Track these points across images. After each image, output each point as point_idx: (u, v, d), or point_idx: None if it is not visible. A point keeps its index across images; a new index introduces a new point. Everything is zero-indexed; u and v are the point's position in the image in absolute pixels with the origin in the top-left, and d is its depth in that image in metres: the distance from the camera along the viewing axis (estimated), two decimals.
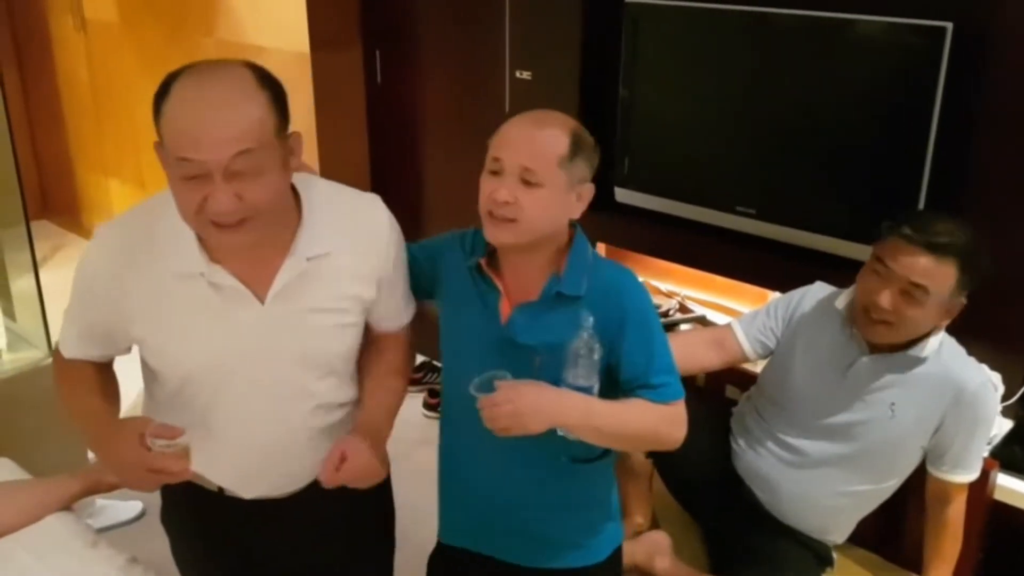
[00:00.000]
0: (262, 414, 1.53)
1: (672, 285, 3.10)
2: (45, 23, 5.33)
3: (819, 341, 2.01)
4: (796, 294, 2.11)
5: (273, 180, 1.35)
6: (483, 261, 1.59)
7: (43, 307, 2.95)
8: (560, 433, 1.50)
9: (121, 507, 2.95)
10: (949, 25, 2.19)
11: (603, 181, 3.04)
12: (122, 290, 1.43)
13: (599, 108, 2.97)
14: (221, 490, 1.62)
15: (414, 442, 3.18)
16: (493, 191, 1.49)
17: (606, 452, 1.67)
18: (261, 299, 1.44)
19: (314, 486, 1.56)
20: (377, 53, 3.75)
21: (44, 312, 2.95)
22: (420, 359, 3.92)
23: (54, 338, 2.96)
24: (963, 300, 1.84)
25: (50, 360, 2.88)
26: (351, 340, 1.57)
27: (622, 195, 2.95)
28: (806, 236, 2.55)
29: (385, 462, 1.61)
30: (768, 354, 2.13)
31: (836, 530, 2.09)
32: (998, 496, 2.08)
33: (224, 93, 1.30)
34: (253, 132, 1.30)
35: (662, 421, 1.56)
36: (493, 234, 1.52)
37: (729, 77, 2.66)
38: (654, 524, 2.23)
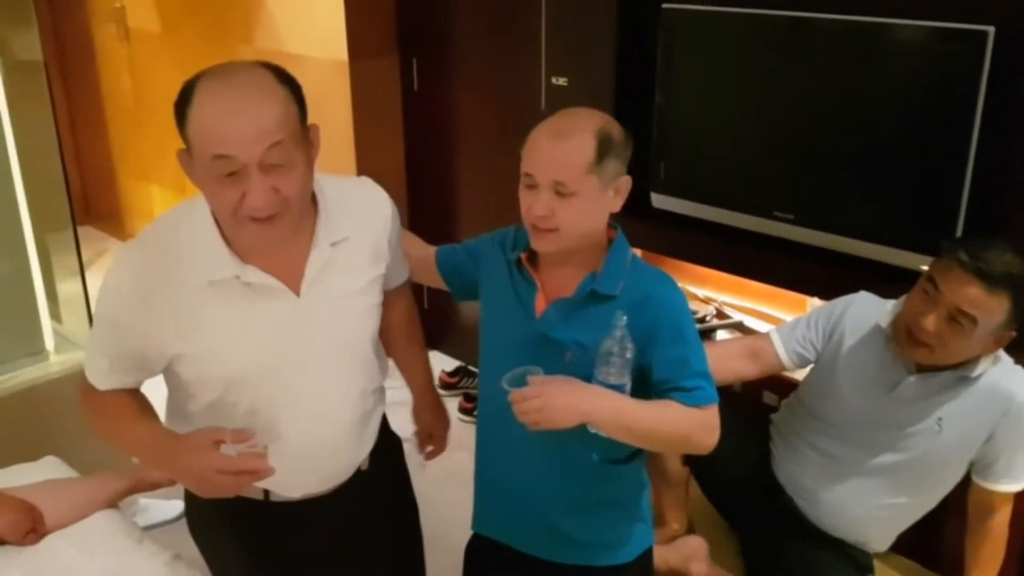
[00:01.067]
0: (310, 407, 1.55)
1: (709, 291, 3.09)
2: (89, 32, 5.43)
3: (864, 358, 1.97)
4: (839, 305, 2.07)
5: (303, 171, 1.40)
6: (524, 256, 1.63)
7: (89, 310, 3.01)
8: (591, 430, 1.51)
9: (163, 506, 2.99)
10: (991, 29, 2.17)
11: (639, 186, 3.06)
12: (152, 310, 1.42)
13: (635, 113, 2.97)
14: (267, 495, 1.61)
15: (449, 446, 3.20)
16: (530, 206, 1.52)
17: (636, 454, 1.68)
18: (296, 292, 1.47)
19: (353, 479, 1.64)
20: (414, 61, 3.79)
21: (90, 315, 3.01)
22: (455, 364, 3.94)
23: None
24: (1013, 333, 1.80)
25: None
26: (377, 321, 1.62)
27: (658, 200, 2.95)
28: (844, 242, 2.54)
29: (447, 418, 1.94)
30: (806, 365, 2.11)
31: (877, 540, 2.07)
32: None
33: (251, 90, 1.35)
34: (282, 124, 1.34)
35: (693, 424, 1.55)
36: (538, 244, 1.55)
37: (766, 82, 2.66)
38: (690, 530, 2.23)
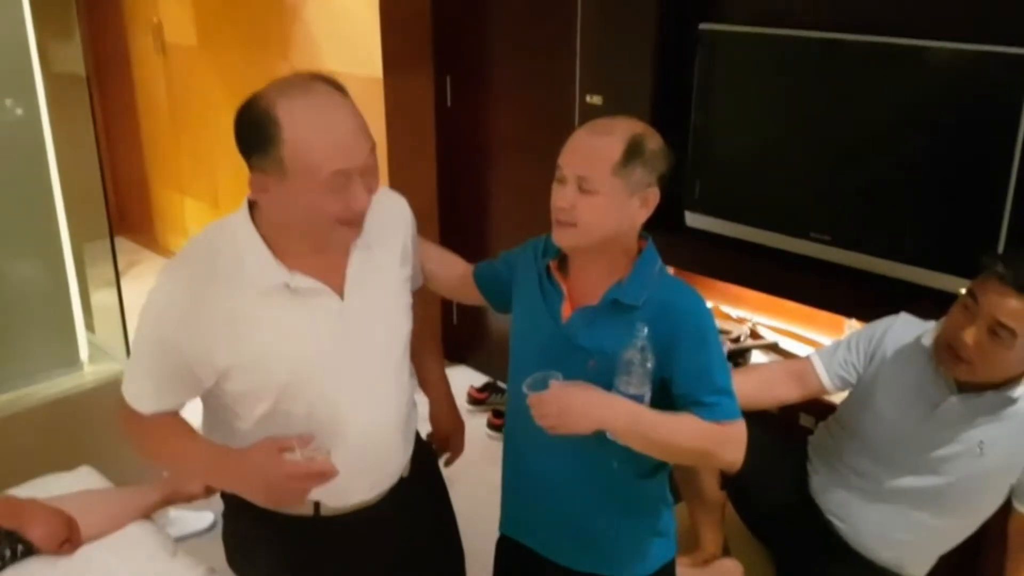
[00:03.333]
0: (362, 409, 1.56)
1: (744, 311, 3.07)
2: (125, 45, 5.50)
3: (905, 378, 1.96)
4: (880, 327, 2.06)
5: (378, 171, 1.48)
6: (553, 264, 1.65)
7: (124, 320, 3.04)
8: (609, 437, 1.53)
9: (193, 517, 3.00)
10: None
11: (674, 205, 3.06)
12: (203, 324, 1.43)
13: (670, 133, 2.94)
14: (317, 509, 1.61)
15: (477, 461, 3.19)
16: (555, 198, 1.56)
17: (658, 469, 1.68)
18: (340, 294, 1.51)
19: (397, 486, 1.67)
20: (448, 78, 3.80)
21: (125, 325, 3.04)
22: (484, 379, 3.94)
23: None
24: None
25: None
26: (411, 322, 1.66)
27: (693, 219, 2.94)
28: (881, 263, 2.52)
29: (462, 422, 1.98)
30: (847, 388, 2.09)
31: (915, 564, 2.04)
32: None
33: (342, 103, 1.42)
34: (368, 130, 1.44)
35: (711, 439, 1.54)
36: (558, 238, 1.58)
37: (804, 103, 2.64)
38: (725, 553, 2.21)
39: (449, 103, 3.84)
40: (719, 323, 2.97)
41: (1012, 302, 1.72)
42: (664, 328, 1.52)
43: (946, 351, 1.84)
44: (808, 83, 2.63)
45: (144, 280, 5.41)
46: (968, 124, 2.32)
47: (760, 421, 2.12)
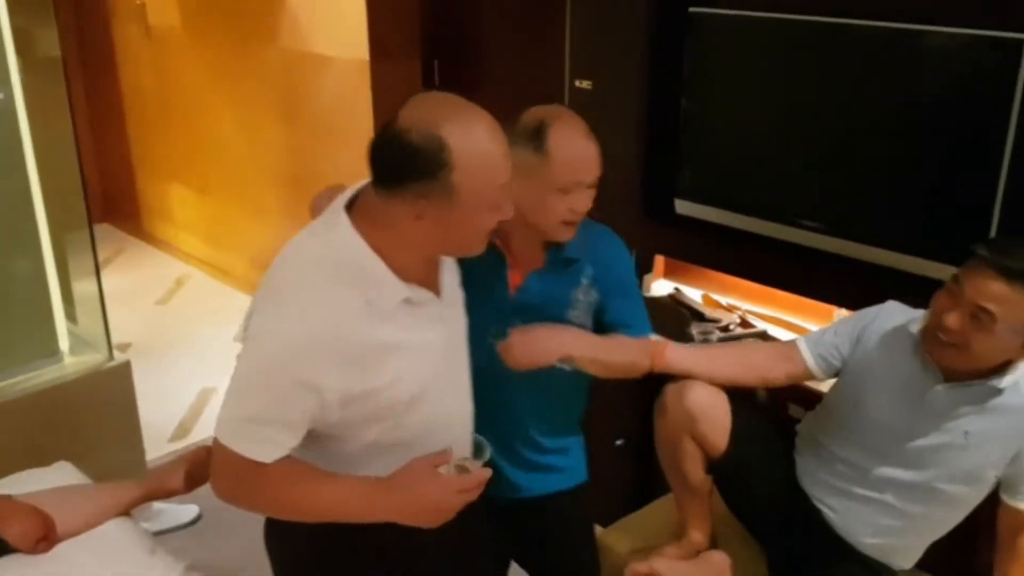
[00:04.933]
0: (464, 404, 1.64)
1: (733, 299, 3.05)
2: (109, 30, 5.45)
3: (892, 366, 1.95)
4: (868, 314, 2.06)
5: None
6: (497, 241, 1.81)
7: (104, 311, 2.99)
8: (564, 367, 1.78)
9: (178, 511, 2.98)
10: None
11: (664, 193, 3.03)
12: (342, 360, 1.37)
13: (661, 119, 2.93)
14: None
15: None
16: (578, 206, 1.78)
17: (581, 397, 2.04)
18: (438, 294, 1.53)
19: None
20: (436, 62, 3.75)
21: (105, 315, 2.99)
22: None
23: (115, 341, 3.02)
24: None
25: (110, 364, 2.94)
26: None
27: (683, 207, 2.91)
28: (873, 251, 2.49)
29: None
30: (833, 373, 2.08)
31: (903, 554, 2.04)
32: None
33: (488, 114, 1.47)
34: None
35: (640, 353, 1.90)
36: (568, 235, 1.81)
37: (795, 89, 2.61)
38: (712, 545, 2.19)
39: (437, 87, 3.79)
40: (709, 312, 2.94)
41: (993, 286, 1.72)
42: (600, 271, 1.87)
43: (932, 338, 1.84)
44: (799, 68, 2.59)
45: (131, 268, 5.41)
46: (960, 110, 2.30)
47: (749, 409, 2.12)
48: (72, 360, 2.95)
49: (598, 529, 2.32)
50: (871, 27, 2.40)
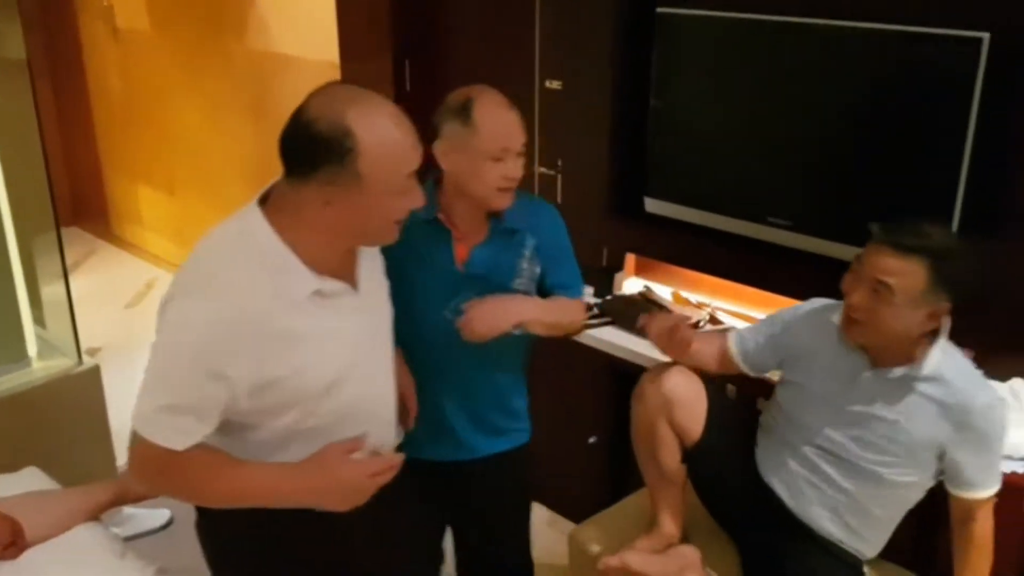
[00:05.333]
0: (385, 394, 1.67)
1: (703, 296, 3.07)
2: (76, 31, 5.39)
3: (822, 356, 2.02)
4: (793, 310, 2.14)
5: None
6: (441, 215, 1.93)
7: (73, 315, 2.97)
8: (516, 331, 1.91)
9: (149, 516, 2.96)
10: (986, 36, 2.16)
11: (634, 191, 3.05)
12: (248, 350, 1.40)
13: (630, 118, 2.95)
14: None
15: None
16: (510, 173, 1.88)
17: (517, 360, 2.12)
18: (355, 287, 1.56)
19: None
20: (406, 62, 3.75)
21: (74, 320, 2.96)
22: None
23: (84, 345, 3.00)
24: (944, 305, 1.83)
25: (79, 369, 2.91)
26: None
27: (652, 205, 2.93)
28: (839, 247, 2.51)
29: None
30: (760, 367, 2.18)
31: (865, 541, 2.07)
32: None
33: (394, 105, 1.50)
34: None
35: (578, 311, 2.11)
36: (505, 202, 1.92)
37: (761, 87, 2.64)
38: (684, 536, 2.21)
39: (408, 87, 3.79)
40: (679, 309, 2.96)
41: (889, 260, 1.81)
42: (541, 239, 2.01)
43: (846, 319, 1.92)
44: (765, 67, 2.62)
45: (100, 271, 5.36)
46: (923, 108, 2.33)
47: (722, 399, 2.15)
48: (41, 365, 2.92)
49: (571, 525, 2.34)
50: (835, 26, 2.43)
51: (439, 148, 1.90)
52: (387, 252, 1.75)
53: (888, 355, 1.91)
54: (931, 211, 2.30)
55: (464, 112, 1.87)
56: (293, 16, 3.82)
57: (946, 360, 1.89)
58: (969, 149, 2.24)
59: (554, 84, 3.16)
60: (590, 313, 2.89)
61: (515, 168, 1.89)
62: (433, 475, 2.04)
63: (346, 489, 1.48)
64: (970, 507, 1.94)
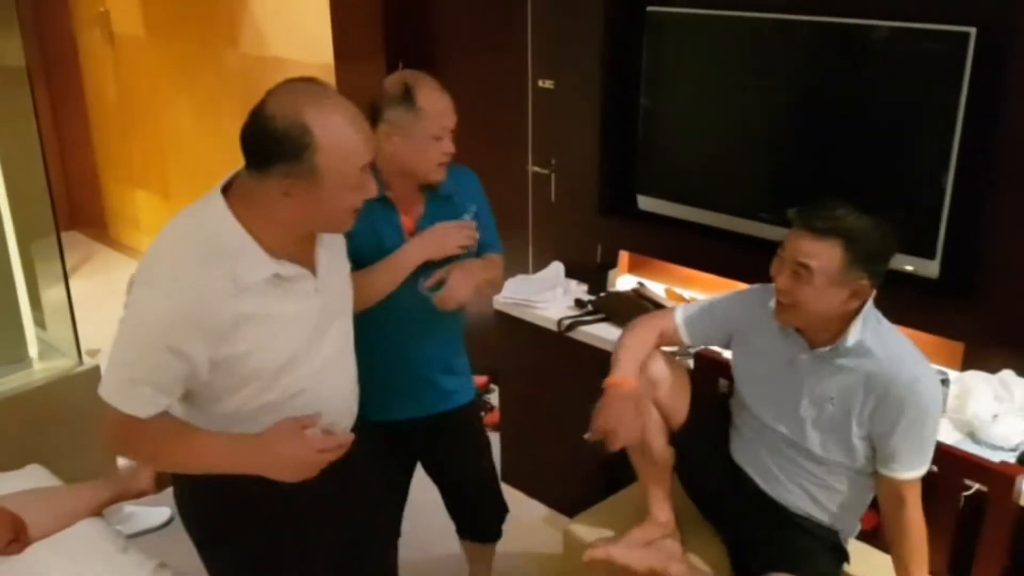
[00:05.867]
0: (337, 375, 1.73)
1: (695, 292, 3.10)
2: (73, 37, 5.41)
3: (762, 340, 2.08)
4: (737, 299, 2.19)
5: None
6: (388, 194, 2.07)
7: (73, 316, 2.99)
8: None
9: (149, 513, 2.98)
10: (973, 30, 2.18)
11: (626, 189, 3.08)
12: (207, 328, 1.49)
13: (622, 116, 2.98)
14: None
15: None
16: (447, 149, 2.09)
17: (462, 317, 2.29)
18: (313, 273, 1.63)
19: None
20: (400, 64, 3.78)
21: (74, 321, 2.99)
22: None
23: (84, 347, 3.02)
24: (863, 281, 1.88)
25: (80, 369, 2.94)
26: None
27: (644, 203, 2.96)
28: None
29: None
30: (706, 344, 2.26)
31: (837, 518, 2.08)
32: None
33: (349, 102, 1.58)
34: None
35: (501, 267, 2.31)
36: (443, 175, 2.12)
37: (751, 84, 2.66)
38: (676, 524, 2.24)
39: None
40: (671, 304, 2.99)
41: (805, 243, 1.89)
42: (476, 204, 2.23)
43: (776, 304, 1.98)
44: (754, 64, 2.65)
45: (98, 275, 5.38)
46: (911, 103, 2.35)
47: (706, 390, 2.17)
48: (42, 366, 2.95)
49: (564, 519, 2.36)
50: (823, 23, 2.45)
51: (381, 131, 2.04)
52: (358, 233, 1.84)
53: (820, 335, 1.97)
54: (920, 208, 2.34)
55: (408, 98, 2.04)
56: (287, 20, 3.84)
57: (871, 334, 1.92)
58: (957, 144, 2.26)
59: (547, 84, 3.18)
60: (584, 309, 2.92)
61: (451, 144, 2.10)
62: (400, 433, 2.26)
63: (294, 462, 1.57)
64: (897, 489, 1.93)
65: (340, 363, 1.74)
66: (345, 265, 1.80)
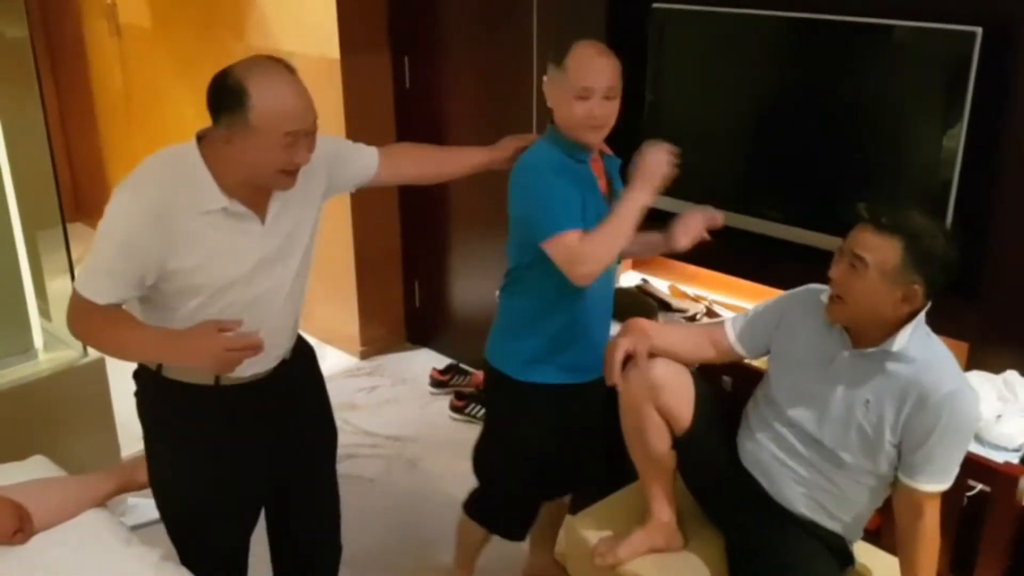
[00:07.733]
0: (272, 305, 1.96)
1: (700, 289, 3.10)
2: (79, 28, 5.41)
3: (805, 335, 2.06)
4: (790, 296, 2.17)
5: None
6: (591, 162, 2.22)
7: None
8: None
9: (151, 505, 2.98)
10: (979, 30, 2.18)
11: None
12: (162, 230, 1.76)
13: (626, 112, 2.96)
14: (217, 380, 1.96)
15: (438, 444, 3.20)
16: (590, 110, 2.10)
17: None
18: (262, 221, 1.89)
19: (281, 365, 2.06)
20: (406, 58, 3.78)
21: None
22: (447, 361, 3.94)
23: None
24: (916, 286, 1.85)
25: (84, 361, 2.95)
26: (314, 242, 2.05)
27: None
28: (834, 240, 2.53)
29: None
30: (758, 353, 2.19)
31: (842, 523, 2.07)
32: None
33: (295, 80, 1.81)
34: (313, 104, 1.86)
35: None
36: (592, 139, 2.16)
37: (756, 82, 2.66)
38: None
39: (408, 84, 3.82)
40: (676, 302, 2.99)
41: (868, 236, 1.89)
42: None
43: (829, 298, 1.97)
44: (758, 62, 2.65)
45: None
46: (917, 102, 2.36)
47: (710, 391, 2.17)
48: (47, 357, 2.95)
49: (568, 516, 2.37)
50: (828, 21, 2.46)
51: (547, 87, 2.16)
52: (581, 196, 2.11)
53: (866, 336, 1.94)
54: (926, 203, 2.34)
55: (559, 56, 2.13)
56: (293, 13, 3.84)
57: (919, 342, 1.91)
58: (962, 143, 2.26)
59: None
60: None
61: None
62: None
63: (207, 355, 1.78)
64: (918, 500, 1.91)
65: (275, 300, 1.96)
66: (309, 222, 2.00)
